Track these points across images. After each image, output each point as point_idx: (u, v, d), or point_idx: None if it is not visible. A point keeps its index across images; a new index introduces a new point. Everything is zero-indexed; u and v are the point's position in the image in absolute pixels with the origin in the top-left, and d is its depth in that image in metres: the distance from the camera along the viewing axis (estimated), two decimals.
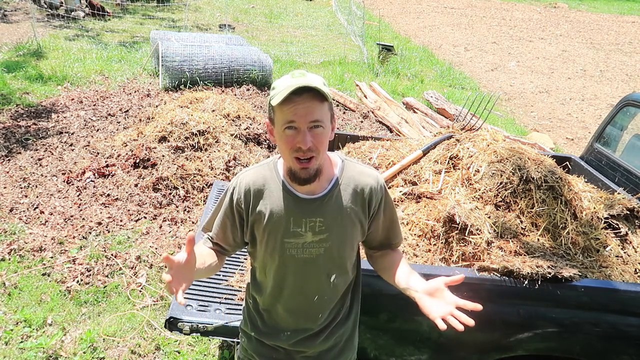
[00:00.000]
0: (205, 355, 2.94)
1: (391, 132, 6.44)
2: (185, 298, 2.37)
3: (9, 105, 6.11)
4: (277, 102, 1.34)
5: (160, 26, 11.33)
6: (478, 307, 1.32)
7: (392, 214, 1.66)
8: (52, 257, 3.58)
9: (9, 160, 4.86)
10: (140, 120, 5.62)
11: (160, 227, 4.04)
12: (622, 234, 2.57)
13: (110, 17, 11.75)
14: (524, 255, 2.27)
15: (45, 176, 4.60)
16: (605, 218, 2.61)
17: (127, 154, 4.71)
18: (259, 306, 1.68)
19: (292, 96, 1.32)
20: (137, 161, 4.59)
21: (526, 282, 2.01)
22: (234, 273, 2.74)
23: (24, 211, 4.07)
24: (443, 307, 1.37)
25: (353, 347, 1.77)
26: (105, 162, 4.69)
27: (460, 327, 1.30)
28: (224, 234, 1.61)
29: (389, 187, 2.82)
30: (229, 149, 4.83)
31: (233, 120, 5.31)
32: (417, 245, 2.42)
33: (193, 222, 4.12)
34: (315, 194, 1.51)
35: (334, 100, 7.43)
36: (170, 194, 4.37)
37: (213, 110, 5.31)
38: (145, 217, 4.13)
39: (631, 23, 18.57)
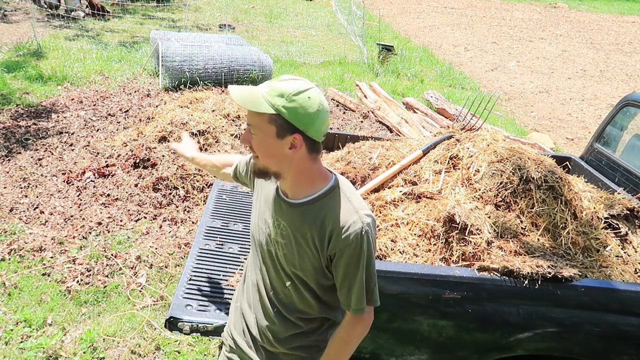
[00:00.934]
0: (205, 355, 2.94)
1: (391, 132, 6.44)
2: (185, 298, 2.39)
3: (9, 105, 6.11)
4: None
5: (160, 26, 11.32)
6: None
7: (353, 273, 1.44)
8: (52, 257, 3.58)
9: (9, 160, 4.86)
10: (140, 120, 5.62)
11: (160, 227, 4.04)
12: (622, 234, 2.57)
13: (110, 17, 11.75)
14: (524, 255, 2.27)
15: (45, 176, 4.60)
16: (605, 218, 2.61)
17: (127, 154, 4.71)
18: (243, 278, 1.77)
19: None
20: (137, 161, 4.59)
21: (526, 282, 2.01)
22: (234, 273, 2.74)
23: (24, 211, 4.07)
24: None
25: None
26: (105, 162, 4.69)
27: None
28: (245, 165, 1.83)
29: (389, 187, 2.82)
30: (229, 149, 4.83)
31: (233, 120, 5.31)
32: (417, 245, 2.42)
33: (193, 222, 4.12)
34: (288, 197, 1.51)
35: (333, 100, 7.43)
36: (170, 194, 4.37)
37: (213, 110, 5.31)
38: (145, 217, 4.13)
39: (631, 23, 18.57)
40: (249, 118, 1.42)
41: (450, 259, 2.33)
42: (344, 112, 7.09)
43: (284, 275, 1.55)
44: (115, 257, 3.64)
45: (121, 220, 4.05)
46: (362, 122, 6.75)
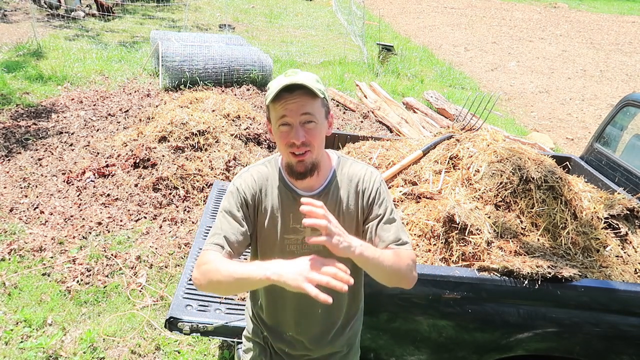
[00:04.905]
0: (205, 355, 2.94)
1: (391, 132, 6.44)
2: (185, 298, 2.39)
3: (9, 105, 6.11)
4: (269, 100, 1.41)
5: (160, 26, 11.32)
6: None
7: (391, 208, 1.56)
8: (52, 257, 3.58)
9: (9, 160, 4.86)
10: (140, 120, 5.62)
11: (160, 227, 4.04)
12: (622, 234, 2.57)
13: (112, 17, 11.75)
14: (524, 255, 2.27)
15: (45, 176, 4.59)
16: (605, 218, 2.61)
17: (127, 154, 4.71)
18: (261, 310, 1.68)
19: (282, 93, 1.38)
20: (137, 161, 4.59)
21: (526, 282, 2.01)
22: None
23: (24, 211, 4.07)
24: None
25: (357, 350, 1.78)
26: (105, 162, 4.69)
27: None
28: (235, 235, 1.52)
29: (389, 187, 2.82)
30: (229, 149, 4.83)
31: (233, 120, 5.31)
32: (417, 245, 2.42)
33: (193, 222, 4.12)
34: (313, 189, 1.53)
35: (333, 100, 7.43)
36: (170, 194, 4.37)
37: (213, 110, 5.31)
38: (145, 217, 4.13)
39: (631, 23, 18.57)
40: (306, 109, 1.40)
41: (450, 259, 2.33)
42: (344, 112, 7.09)
43: None
44: (115, 257, 3.63)
45: (121, 220, 4.05)
46: (362, 122, 6.75)
